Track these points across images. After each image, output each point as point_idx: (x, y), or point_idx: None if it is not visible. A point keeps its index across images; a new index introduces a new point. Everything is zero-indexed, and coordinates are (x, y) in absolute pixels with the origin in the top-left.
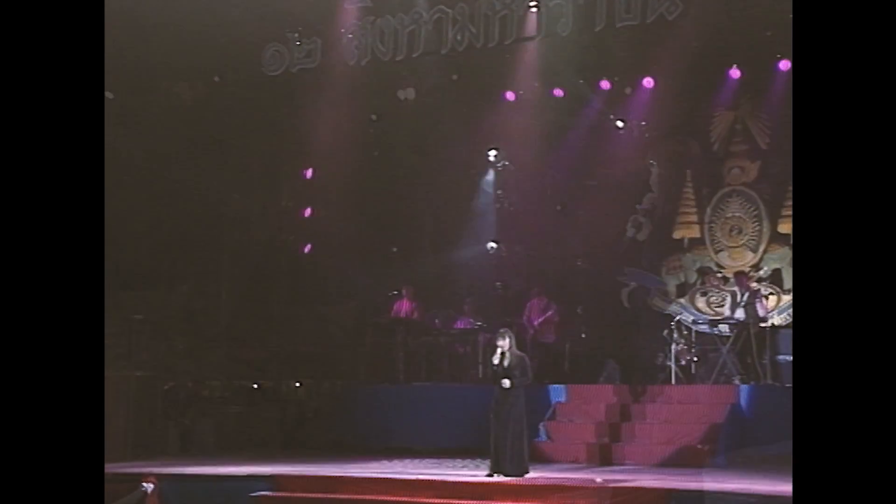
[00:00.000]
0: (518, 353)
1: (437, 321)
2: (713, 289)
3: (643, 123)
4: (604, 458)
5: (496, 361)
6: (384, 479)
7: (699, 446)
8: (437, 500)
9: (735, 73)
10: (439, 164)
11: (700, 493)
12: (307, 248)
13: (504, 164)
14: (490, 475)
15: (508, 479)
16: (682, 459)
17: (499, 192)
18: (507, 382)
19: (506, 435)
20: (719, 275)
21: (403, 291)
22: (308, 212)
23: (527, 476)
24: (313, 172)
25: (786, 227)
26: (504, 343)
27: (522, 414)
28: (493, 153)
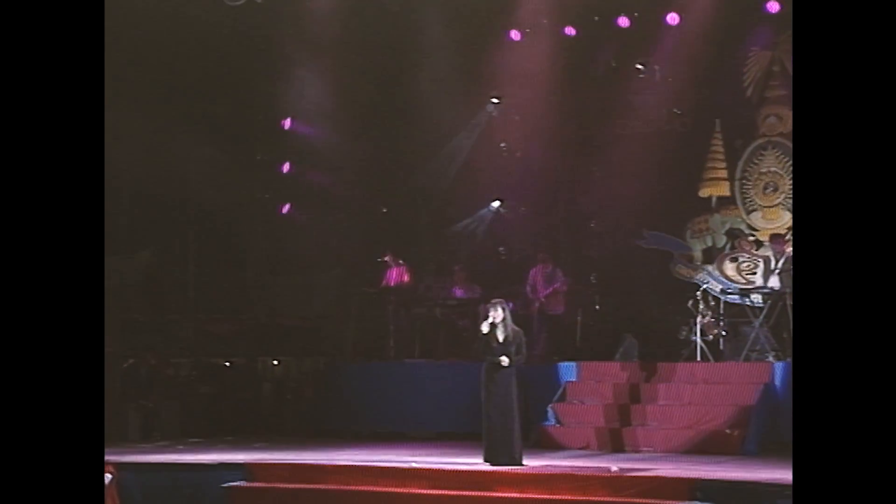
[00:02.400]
0: (515, 327)
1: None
2: (744, 254)
3: (662, 68)
4: (619, 443)
5: (485, 331)
6: (372, 467)
7: (727, 431)
8: (431, 491)
9: (773, 6)
10: (434, 112)
11: (728, 484)
12: (286, 209)
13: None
14: (489, 463)
15: (509, 468)
16: (708, 446)
17: (502, 144)
18: (505, 360)
19: (506, 420)
20: (751, 238)
21: (387, 258)
22: (286, 167)
23: (532, 464)
24: (292, 122)
25: None
26: (497, 314)
27: (517, 396)
28: (495, 101)
